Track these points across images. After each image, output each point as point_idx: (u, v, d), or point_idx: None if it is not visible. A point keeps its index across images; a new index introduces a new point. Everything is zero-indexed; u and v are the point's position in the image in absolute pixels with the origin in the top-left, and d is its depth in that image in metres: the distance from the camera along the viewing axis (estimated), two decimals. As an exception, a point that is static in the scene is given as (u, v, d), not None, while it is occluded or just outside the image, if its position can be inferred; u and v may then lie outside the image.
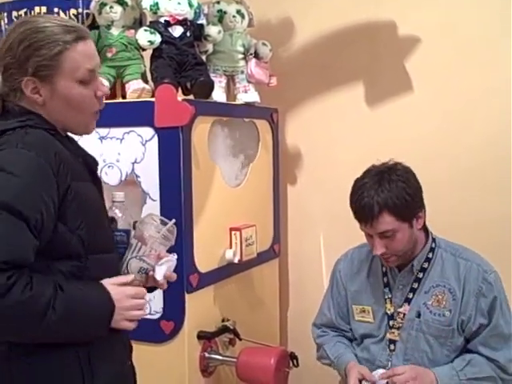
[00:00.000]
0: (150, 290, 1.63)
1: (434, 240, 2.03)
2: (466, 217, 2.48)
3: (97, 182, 1.53)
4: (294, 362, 2.28)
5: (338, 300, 2.14)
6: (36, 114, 1.42)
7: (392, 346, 1.99)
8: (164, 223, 1.56)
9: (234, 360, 2.23)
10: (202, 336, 2.19)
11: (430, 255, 2.00)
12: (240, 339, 2.32)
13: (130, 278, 1.46)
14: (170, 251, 1.59)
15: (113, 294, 1.40)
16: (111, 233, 1.55)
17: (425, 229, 2.02)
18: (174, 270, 1.60)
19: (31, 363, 1.37)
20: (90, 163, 1.52)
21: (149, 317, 2.16)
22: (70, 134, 1.53)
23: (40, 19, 1.43)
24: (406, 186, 1.90)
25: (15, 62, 1.39)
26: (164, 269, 1.54)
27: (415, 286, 1.98)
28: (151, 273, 1.54)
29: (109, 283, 1.41)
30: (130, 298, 1.43)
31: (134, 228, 1.58)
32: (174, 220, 1.57)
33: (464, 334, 1.94)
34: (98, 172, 1.59)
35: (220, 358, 2.26)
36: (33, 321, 1.28)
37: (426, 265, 1.99)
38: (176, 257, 1.59)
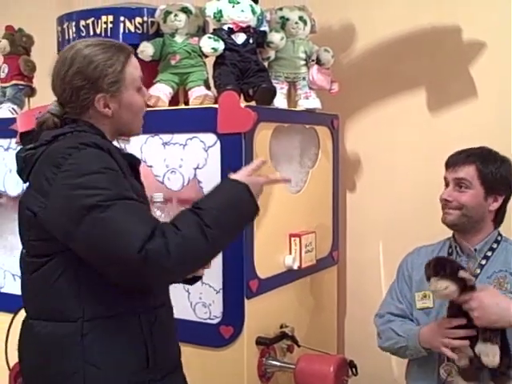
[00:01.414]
0: (191, 281, 1.77)
1: (500, 234, 2.08)
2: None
3: (138, 176, 1.69)
4: (353, 370, 2.26)
5: (403, 293, 2.14)
6: (83, 121, 1.58)
7: None
8: None
9: (293, 367, 2.22)
10: (260, 342, 2.20)
11: (495, 245, 2.05)
12: (299, 346, 2.31)
13: (258, 161, 1.66)
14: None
15: (249, 183, 1.55)
16: None
17: (495, 226, 2.07)
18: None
19: (98, 338, 1.51)
20: (129, 159, 1.65)
21: (208, 321, 2.19)
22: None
23: (90, 44, 1.59)
24: (503, 167, 2.01)
25: (87, 82, 1.55)
26: None
27: (477, 271, 2.01)
28: None
29: (243, 176, 1.58)
30: (261, 183, 1.61)
31: None
32: None
33: None
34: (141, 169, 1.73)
35: (278, 364, 2.26)
36: (200, 244, 1.42)
37: (489, 253, 2.03)
38: None
